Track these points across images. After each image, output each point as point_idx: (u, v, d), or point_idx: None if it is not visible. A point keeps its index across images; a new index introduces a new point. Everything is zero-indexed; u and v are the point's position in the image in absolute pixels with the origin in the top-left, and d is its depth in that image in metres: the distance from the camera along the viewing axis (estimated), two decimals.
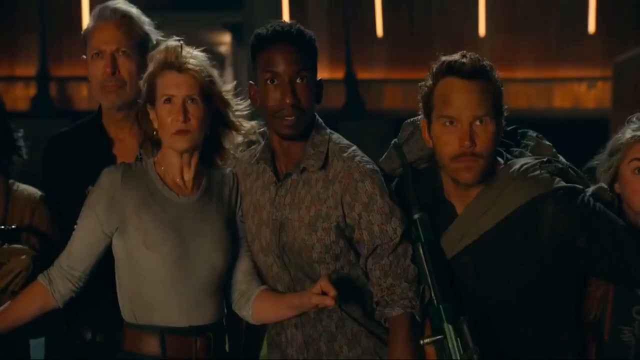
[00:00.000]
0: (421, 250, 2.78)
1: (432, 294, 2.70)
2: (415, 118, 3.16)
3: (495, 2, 17.27)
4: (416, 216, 2.87)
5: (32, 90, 16.53)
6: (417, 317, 2.75)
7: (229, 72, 18.80)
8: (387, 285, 2.76)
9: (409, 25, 17.47)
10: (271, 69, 2.87)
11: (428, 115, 2.99)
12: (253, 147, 3.06)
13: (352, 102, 16.33)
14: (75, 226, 2.94)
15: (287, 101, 2.84)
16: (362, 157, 2.97)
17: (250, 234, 2.97)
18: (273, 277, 2.94)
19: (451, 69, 2.99)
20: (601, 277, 2.80)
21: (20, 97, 16.59)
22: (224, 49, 19.50)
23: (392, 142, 3.19)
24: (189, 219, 2.90)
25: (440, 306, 2.69)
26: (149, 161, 3.00)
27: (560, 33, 16.92)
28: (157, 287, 2.82)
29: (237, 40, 17.53)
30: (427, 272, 2.73)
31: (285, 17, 17.08)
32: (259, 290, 2.94)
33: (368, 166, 2.92)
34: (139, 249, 2.81)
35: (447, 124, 2.89)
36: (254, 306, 2.92)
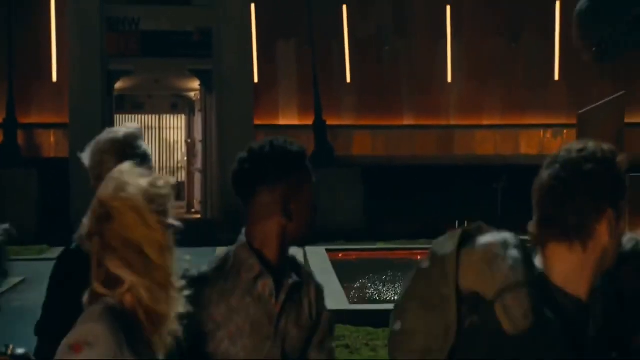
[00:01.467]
0: None
1: None
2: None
3: (462, 49, 17.50)
4: None
5: None
6: None
7: (198, 118, 18.82)
8: None
9: (378, 72, 17.65)
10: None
11: None
12: (212, 266, 2.62)
13: (322, 148, 16.37)
14: None
15: None
16: None
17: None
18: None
19: None
20: None
21: None
22: (193, 94, 19.54)
23: None
24: None
25: None
26: None
27: (526, 80, 17.17)
28: None
29: (206, 87, 17.58)
30: None
31: (255, 65, 17.20)
32: None
33: None
34: None
35: None
36: None
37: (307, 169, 2.57)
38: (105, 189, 2.23)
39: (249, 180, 2.54)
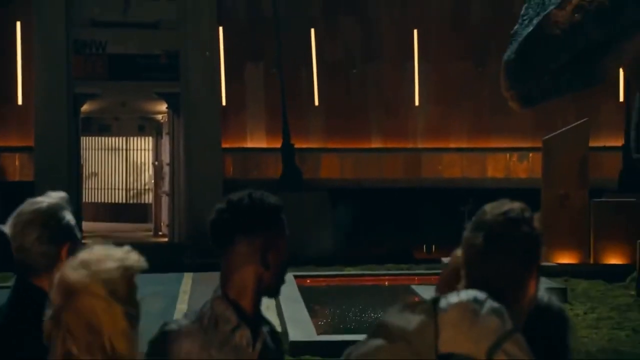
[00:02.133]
0: None
1: None
2: None
3: (429, 73, 17.64)
4: None
5: None
6: None
7: (166, 140, 18.74)
8: None
9: (346, 95, 17.72)
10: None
11: None
12: (190, 319, 2.66)
13: (290, 171, 16.37)
14: None
15: None
16: None
17: None
18: None
19: None
20: None
21: None
22: (161, 117, 19.47)
23: None
24: None
25: None
26: None
27: (493, 104, 17.31)
28: None
29: (173, 110, 17.53)
30: None
31: (223, 88, 17.20)
32: None
33: None
34: None
35: None
36: None
37: (283, 221, 2.67)
38: (72, 272, 2.17)
39: (228, 230, 2.61)
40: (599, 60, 11.64)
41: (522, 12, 11.56)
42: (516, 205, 2.30)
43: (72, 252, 2.75)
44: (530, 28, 11.21)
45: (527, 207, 2.29)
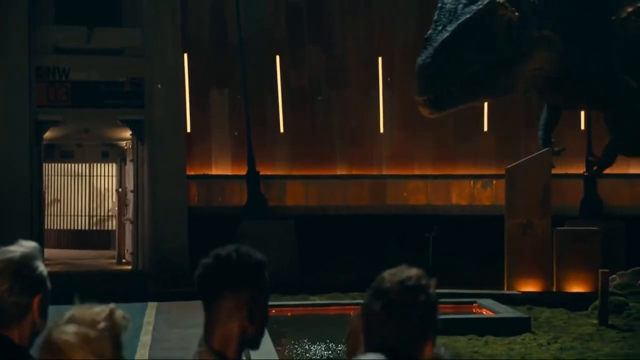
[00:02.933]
0: None
1: None
2: None
3: (393, 100, 17.75)
4: None
5: None
6: None
7: (130, 167, 18.62)
8: None
9: (311, 122, 17.76)
10: None
11: None
12: None
13: (255, 199, 16.32)
14: None
15: None
16: None
17: None
18: None
19: None
20: None
21: None
22: (125, 143, 19.36)
23: None
24: None
25: None
26: None
27: (457, 131, 17.45)
28: None
29: (138, 136, 17.43)
30: None
31: (188, 115, 17.16)
32: None
33: None
34: None
35: None
36: None
37: (267, 277, 2.80)
38: (61, 332, 2.19)
39: (216, 285, 2.68)
40: (506, 73, 11.84)
41: (435, 18, 11.74)
42: (414, 272, 2.40)
43: (44, 302, 2.80)
44: (446, 34, 11.39)
45: (424, 273, 2.39)
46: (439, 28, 11.71)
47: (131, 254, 18.16)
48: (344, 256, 15.73)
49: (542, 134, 13.80)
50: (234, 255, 2.74)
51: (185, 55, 17.05)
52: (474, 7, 11.72)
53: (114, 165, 21.06)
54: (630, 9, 12.65)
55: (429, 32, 11.75)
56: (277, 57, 17.54)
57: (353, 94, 17.75)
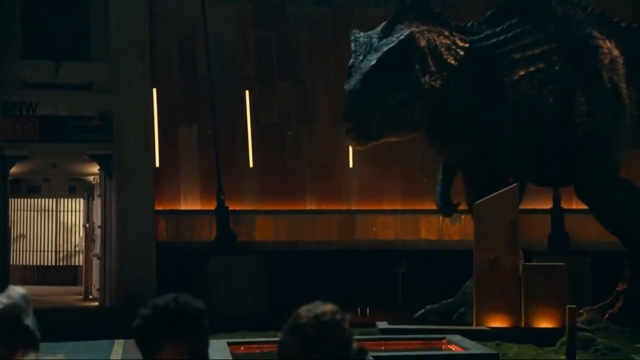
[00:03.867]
0: None
1: None
2: None
3: None
4: None
5: None
6: None
7: (97, 202, 18.48)
8: None
9: (280, 156, 17.76)
10: None
11: None
12: None
13: (224, 234, 16.23)
14: None
15: None
16: None
17: None
18: None
19: None
20: None
21: None
22: (93, 178, 19.23)
23: None
24: None
25: None
26: None
27: (425, 166, 17.53)
28: None
29: (106, 171, 17.32)
30: None
31: (157, 150, 17.08)
32: None
33: None
34: None
35: None
36: None
37: (207, 325, 2.74)
38: None
39: (155, 335, 2.64)
40: (421, 109, 11.88)
41: (353, 49, 11.73)
42: (329, 307, 2.45)
43: (29, 355, 2.73)
44: (371, 62, 11.35)
45: (339, 309, 2.43)
46: (360, 57, 11.66)
47: (98, 290, 17.96)
48: (313, 291, 15.64)
49: (440, 188, 13.67)
50: (173, 305, 2.69)
51: (155, 90, 17.02)
52: (394, 38, 11.68)
53: (82, 200, 20.90)
54: (522, 72, 12.52)
55: (351, 61, 11.70)
56: (247, 92, 17.58)
57: (322, 128, 17.80)
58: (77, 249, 21.79)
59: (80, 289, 19.85)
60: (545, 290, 12.81)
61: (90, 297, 18.92)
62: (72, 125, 16.55)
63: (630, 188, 12.96)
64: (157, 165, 17.02)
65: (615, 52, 13.04)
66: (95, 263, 18.59)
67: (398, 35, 11.59)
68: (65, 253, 22.37)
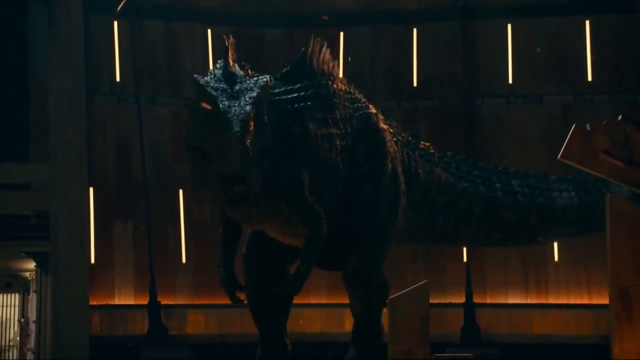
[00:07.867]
0: None
1: None
2: None
3: None
4: None
5: None
6: None
7: (33, 297, 18.74)
8: None
9: (212, 252, 18.23)
10: None
11: None
12: None
13: (155, 328, 16.69)
14: None
15: None
16: None
17: None
18: None
19: None
20: None
21: None
22: (29, 274, 19.52)
23: None
24: None
25: None
26: None
27: None
28: None
29: (42, 268, 17.67)
30: None
31: (92, 247, 17.49)
32: None
33: None
34: None
35: None
36: None
37: None
38: None
39: None
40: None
41: (214, 94, 9.07)
42: None
43: None
44: (246, 107, 8.90)
45: None
46: (225, 102, 9.08)
47: None
48: None
49: (224, 271, 10.25)
50: None
51: (91, 189, 17.50)
52: (254, 93, 9.25)
53: (17, 295, 21.11)
54: (323, 132, 10.02)
55: (220, 106, 9.05)
56: (180, 191, 18.18)
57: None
58: (11, 343, 21.89)
59: None
60: None
61: None
62: (9, 224, 16.92)
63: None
64: (93, 261, 17.40)
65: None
66: (30, 358, 18.76)
67: (257, 84, 9.41)
68: None
